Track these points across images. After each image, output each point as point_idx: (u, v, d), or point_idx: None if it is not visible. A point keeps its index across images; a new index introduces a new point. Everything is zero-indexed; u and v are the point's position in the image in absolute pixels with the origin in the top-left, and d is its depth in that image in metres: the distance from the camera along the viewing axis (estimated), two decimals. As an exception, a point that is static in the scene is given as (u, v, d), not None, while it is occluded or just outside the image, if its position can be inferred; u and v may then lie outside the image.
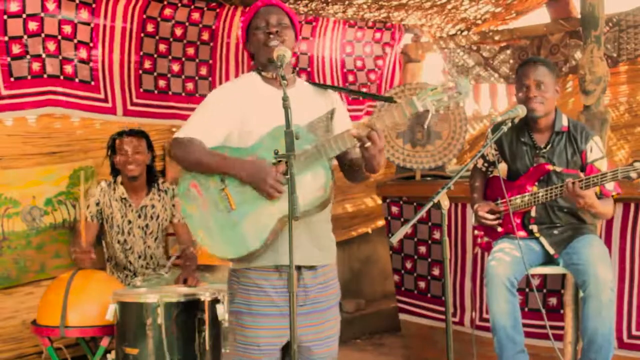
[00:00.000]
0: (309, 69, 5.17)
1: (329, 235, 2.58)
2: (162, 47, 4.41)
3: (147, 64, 4.37)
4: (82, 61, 4.02)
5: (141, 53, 4.32)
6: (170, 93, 4.48)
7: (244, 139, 2.45)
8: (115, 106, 4.23)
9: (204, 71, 4.61)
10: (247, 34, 2.58)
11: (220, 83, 4.67)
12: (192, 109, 4.45)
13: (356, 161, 2.51)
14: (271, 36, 2.47)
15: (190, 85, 4.56)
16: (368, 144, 2.30)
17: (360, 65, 5.46)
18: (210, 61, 4.64)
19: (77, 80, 4.01)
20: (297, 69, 5.01)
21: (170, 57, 4.46)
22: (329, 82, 5.24)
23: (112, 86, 4.20)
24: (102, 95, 4.16)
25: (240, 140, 2.46)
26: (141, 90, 4.35)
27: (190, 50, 4.54)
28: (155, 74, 4.41)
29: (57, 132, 4.19)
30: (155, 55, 4.39)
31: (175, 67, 4.49)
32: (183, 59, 4.51)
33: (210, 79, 4.65)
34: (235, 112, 2.47)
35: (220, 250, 2.45)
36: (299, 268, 2.43)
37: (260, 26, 2.50)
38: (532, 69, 3.32)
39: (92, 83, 4.09)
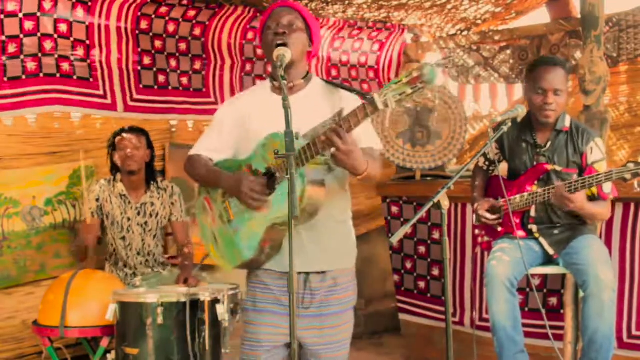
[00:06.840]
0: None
1: (342, 239, 2.53)
2: (158, 43, 4.41)
3: (147, 60, 4.37)
4: (79, 59, 4.01)
5: (139, 50, 4.32)
6: (169, 88, 4.49)
7: (252, 147, 2.45)
8: (116, 102, 4.22)
9: (197, 65, 4.61)
10: (262, 36, 2.55)
11: (215, 76, 4.68)
12: (188, 103, 4.54)
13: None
14: (277, 37, 2.41)
15: (185, 80, 4.56)
16: (332, 150, 2.18)
17: (345, 60, 5.40)
18: (204, 55, 4.63)
19: (75, 77, 3.99)
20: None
21: (166, 53, 4.46)
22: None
23: (112, 83, 4.19)
24: (101, 92, 4.14)
25: (250, 150, 2.46)
26: (141, 86, 4.35)
27: (183, 46, 4.54)
28: (154, 69, 4.41)
29: (57, 132, 4.20)
30: (153, 52, 4.40)
31: (173, 62, 4.50)
32: (177, 54, 4.52)
33: (203, 72, 4.64)
34: (240, 126, 2.51)
35: (223, 260, 2.52)
36: (307, 273, 2.43)
37: (271, 27, 2.47)
38: (552, 73, 3.22)
39: (91, 80, 4.08)
